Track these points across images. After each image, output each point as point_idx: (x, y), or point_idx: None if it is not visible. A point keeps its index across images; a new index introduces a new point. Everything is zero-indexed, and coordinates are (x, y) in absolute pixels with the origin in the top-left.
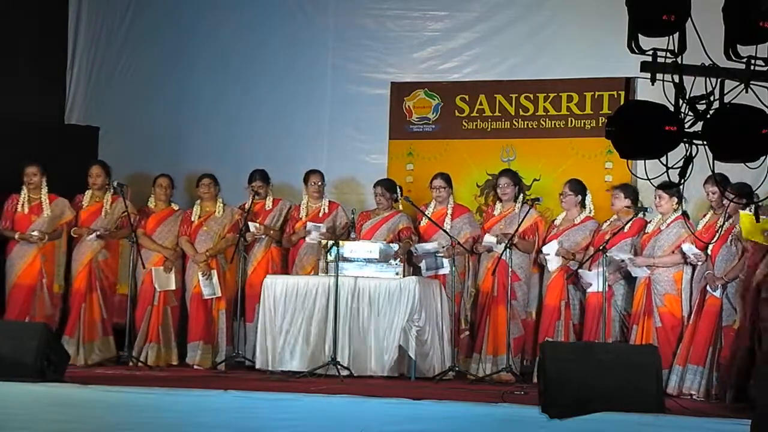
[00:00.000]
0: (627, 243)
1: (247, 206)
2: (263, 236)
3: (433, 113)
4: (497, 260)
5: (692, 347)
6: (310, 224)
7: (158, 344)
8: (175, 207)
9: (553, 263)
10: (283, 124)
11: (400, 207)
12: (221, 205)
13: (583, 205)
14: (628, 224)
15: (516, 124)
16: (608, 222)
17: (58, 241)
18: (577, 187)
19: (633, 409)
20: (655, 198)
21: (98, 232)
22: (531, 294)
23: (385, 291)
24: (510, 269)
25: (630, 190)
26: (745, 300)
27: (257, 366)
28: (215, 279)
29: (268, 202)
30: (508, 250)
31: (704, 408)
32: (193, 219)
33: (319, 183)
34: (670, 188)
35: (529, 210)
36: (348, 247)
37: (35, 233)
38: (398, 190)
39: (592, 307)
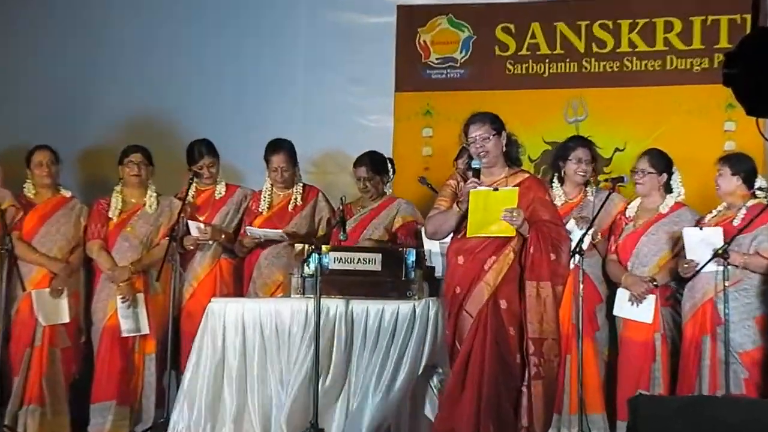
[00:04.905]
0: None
1: (184, 196)
2: (209, 242)
3: (461, 52)
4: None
5: None
6: (252, 229)
7: (41, 407)
8: (67, 194)
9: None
10: (235, 73)
11: (390, 192)
12: (154, 195)
13: (668, 187)
14: (741, 214)
15: (587, 66)
16: (713, 213)
17: None
18: (660, 162)
19: None
20: None
21: None
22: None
23: (392, 321)
24: (582, 285)
25: (742, 164)
26: None
27: None
28: (141, 307)
29: (219, 190)
30: (578, 255)
31: None
32: (110, 215)
33: (284, 166)
34: None
35: (609, 194)
36: (335, 256)
37: None
38: (390, 166)
39: (689, 341)
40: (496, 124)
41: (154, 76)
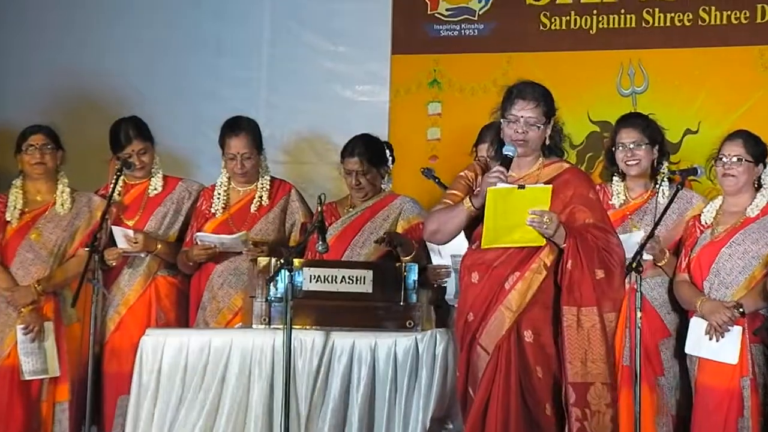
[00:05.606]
0: None
1: (109, 193)
2: (142, 254)
3: (480, 1)
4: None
5: None
6: (204, 235)
7: None
8: None
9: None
10: (181, 30)
11: (389, 187)
12: (67, 191)
13: (758, 183)
14: None
15: (648, 20)
16: None
17: None
18: (757, 148)
19: None
20: None
21: None
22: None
23: (388, 359)
24: (639, 313)
25: None
26: None
27: None
28: (50, 341)
29: (155, 185)
30: (635, 273)
31: None
32: (8, 217)
33: (245, 153)
34: None
35: (677, 191)
36: (311, 273)
37: None
38: (389, 153)
39: None
40: (549, 107)
41: (76, 35)
